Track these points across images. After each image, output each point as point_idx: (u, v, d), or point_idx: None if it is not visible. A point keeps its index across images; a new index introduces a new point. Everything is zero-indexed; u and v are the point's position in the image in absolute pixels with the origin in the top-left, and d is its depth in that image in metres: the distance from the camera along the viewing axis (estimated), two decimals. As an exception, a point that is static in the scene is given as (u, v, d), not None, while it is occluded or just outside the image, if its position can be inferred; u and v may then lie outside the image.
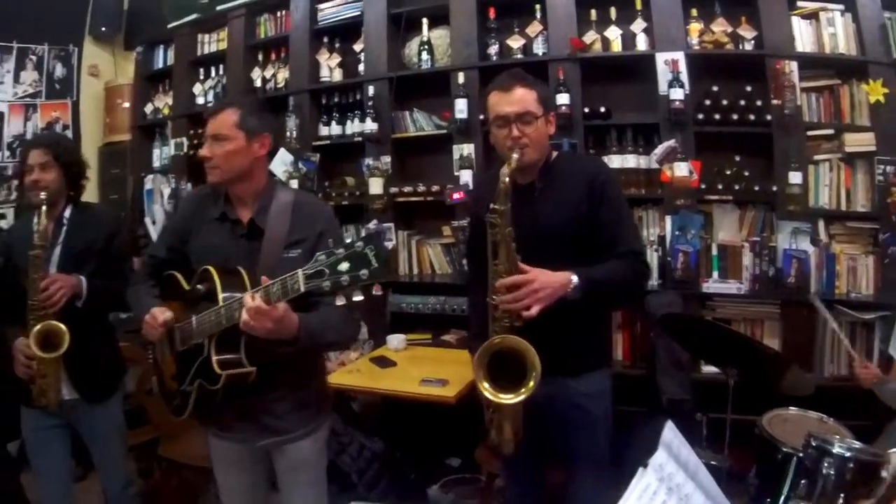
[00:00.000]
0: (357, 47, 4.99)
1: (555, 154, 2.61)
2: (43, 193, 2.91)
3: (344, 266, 1.85)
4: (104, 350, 3.19)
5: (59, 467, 3.13)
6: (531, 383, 2.23)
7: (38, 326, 2.81)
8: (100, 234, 3.10)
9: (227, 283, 2.23)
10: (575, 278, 2.30)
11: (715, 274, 3.91)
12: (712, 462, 2.82)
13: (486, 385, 2.32)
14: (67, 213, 3.06)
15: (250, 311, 2.03)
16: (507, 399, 2.28)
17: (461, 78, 4.44)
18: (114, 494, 3.25)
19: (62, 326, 2.82)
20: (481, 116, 4.37)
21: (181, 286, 2.44)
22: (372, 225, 4.72)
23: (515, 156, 2.34)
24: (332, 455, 3.55)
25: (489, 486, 3.65)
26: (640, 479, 1.30)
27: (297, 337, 2.17)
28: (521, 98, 2.41)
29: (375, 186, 4.72)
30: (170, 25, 5.93)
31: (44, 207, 2.86)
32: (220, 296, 2.19)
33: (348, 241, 1.89)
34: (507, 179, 2.28)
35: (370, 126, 4.72)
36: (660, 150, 3.94)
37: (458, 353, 4.03)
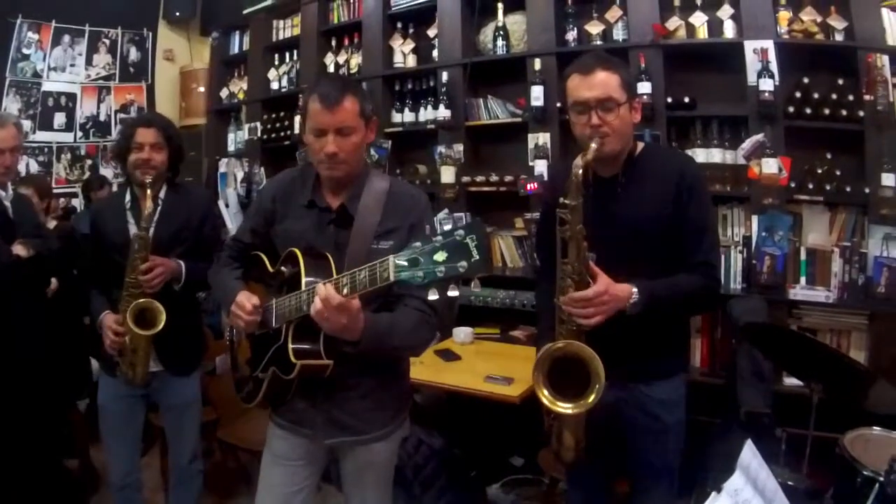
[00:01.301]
0: (431, 33, 4.93)
1: (640, 146, 2.44)
2: (150, 175, 2.92)
3: (440, 256, 1.66)
4: (190, 325, 3.21)
5: (131, 437, 3.15)
6: (592, 396, 2.09)
7: (136, 301, 2.83)
8: (193, 215, 3.13)
9: (312, 268, 2.12)
10: (636, 293, 2.16)
11: (802, 280, 3.69)
12: (789, 482, 2.65)
13: (544, 392, 2.18)
14: (162, 193, 3.06)
15: (325, 301, 1.90)
16: (566, 408, 2.16)
17: (538, 64, 4.31)
18: (180, 467, 3.27)
19: (159, 306, 2.85)
20: (558, 104, 4.26)
21: (265, 268, 2.36)
22: (443, 214, 4.63)
23: (594, 145, 2.18)
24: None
25: (552, 491, 3.54)
26: None
27: (359, 339, 2.03)
28: (603, 82, 2.23)
29: (447, 175, 4.65)
30: (245, 11, 6.03)
31: (148, 190, 2.87)
32: (304, 280, 2.09)
33: (447, 227, 1.73)
34: (580, 172, 2.13)
35: (443, 113, 4.66)
36: (747, 144, 3.73)
37: (525, 349, 3.95)
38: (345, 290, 1.91)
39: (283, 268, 2.23)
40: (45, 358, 3.38)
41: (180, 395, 3.15)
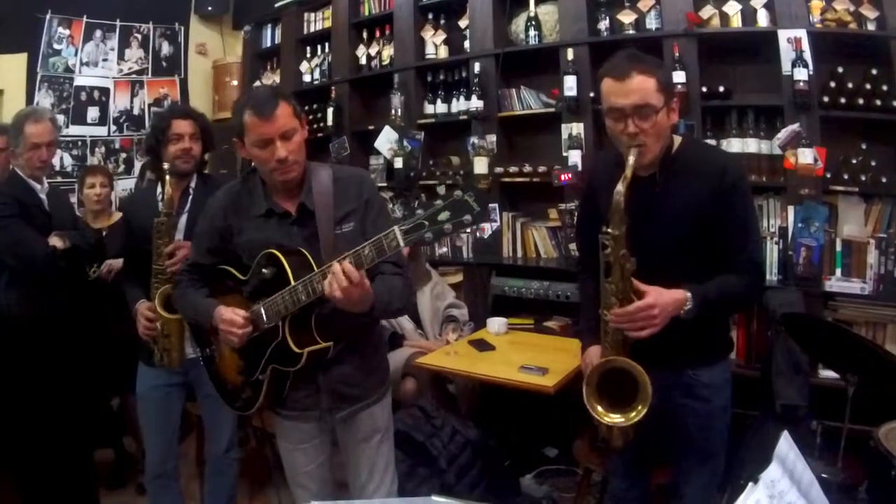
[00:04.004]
0: (462, 23, 4.93)
1: (678, 141, 2.37)
2: (190, 164, 3.02)
3: (444, 215, 1.88)
4: None
5: (170, 427, 3.19)
6: (640, 407, 2.15)
7: (163, 287, 2.89)
8: None
9: (294, 264, 2.22)
10: (690, 298, 2.16)
11: (838, 271, 3.65)
12: (824, 475, 2.65)
13: (597, 407, 2.25)
14: (193, 183, 3.10)
15: (343, 278, 2.03)
16: (617, 420, 2.22)
17: (570, 54, 4.30)
18: (216, 456, 3.30)
19: None
20: (591, 94, 4.25)
21: (236, 278, 2.42)
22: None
23: (632, 159, 2.15)
24: (423, 437, 3.52)
25: (585, 481, 3.54)
26: (749, 495, 1.20)
27: (373, 306, 2.19)
28: (639, 87, 2.15)
29: (480, 166, 4.66)
30: (277, 5, 6.08)
31: (167, 177, 2.92)
32: (291, 275, 2.19)
33: (444, 192, 1.92)
34: (622, 199, 2.13)
35: (476, 104, 4.66)
36: (783, 134, 3.70)
37: (560, 340, 3.96)
38: None
39: (264, 270, 2.29)
40: (82, 349, 3.44)
41: None
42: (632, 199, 2.16)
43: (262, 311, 2.28)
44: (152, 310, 2.93)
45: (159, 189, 3.05)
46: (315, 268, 2.18)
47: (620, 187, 2.13)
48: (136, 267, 3.07)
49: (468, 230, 1.93)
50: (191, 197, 3.07)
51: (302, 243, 2.30)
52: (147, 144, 3.18)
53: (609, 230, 2.15)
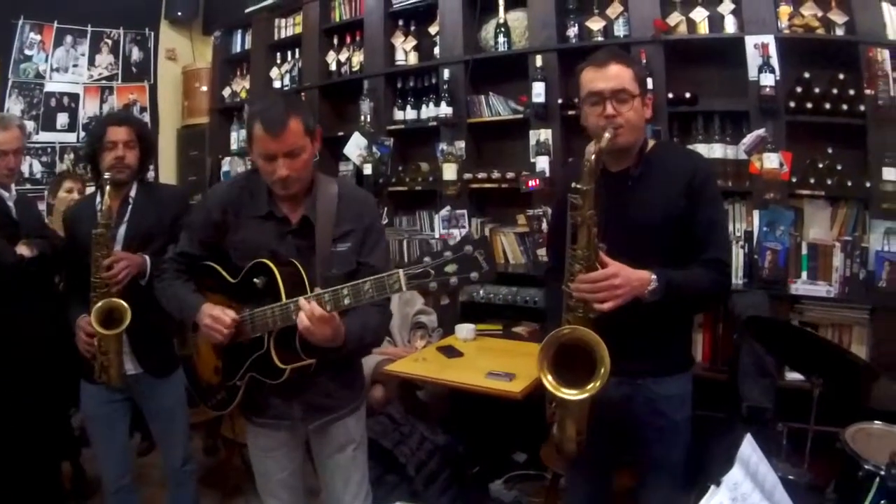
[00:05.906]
0: (432, 30, 4.93)
1: (652, 143, 2.43)
2: (125, 173, 2.96)
3: (451, 268, 1.91)
4: (168, 325, 3.15)
5: (119, 442, 3.14)
6: (598, 381, 2.07)
7: (99, 303, 2.82)
8: (165, 213, 3.08)
9: (287, 278, 2.21)
10: (655, 280, 2.15)
11: (804, 274, 3.67)
12: (790, 477, 2.66)
13: (548, 377, 2.16)
14: (133, 192, 3.04)
15: (310, 316, 2.05)
16: (570, 394, 2.13)
17: (539, 61, 4.31)
18: (173, 470, 3.26)
19: (123, 303, 2.82)
20: (559, 101, 4.27)
21: (224, 279, 2.39)
22: (445, 212, 4.63)
23: (607, 135, 2.17)
24: (391, 445, 3.52)
25: (554, 486, 3.54)
26: (711, 498, 1.23)
27: (344, 344, 2.21)
28: (617, 74, 2.25)
29: (449, 172, 4.65)
30: (248, 10, 6.04)
31: (108, 186, 2.84)
32: (283, 290, 2.18)
33: (454, 244, 1.96)
34: (593, 158, 2.13)
35: (445, 110, 4.66)
36: (749, 139, 3.72)
37: (528, 345, 3.95)
38: (346, 301, 2.06)
39: (255, 279, 2.27)
40: (48, 359, 3.39)
41: (163, 398, 3.13)
42: (604, 194, 2.17)
43: (252, 320, 2.26)
44: (91, 324, 2.86)
45: (98, 199, 2.96)
46: (306, 282, 2.20)
47: (592, 147, 2.15)
48: (78, 280, 2.99)
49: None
50: (130, 207, 3.02)
51: (295, 254, 2.29)
52: (84, 152, 3.12)
53: (578, 185, 2.13)
